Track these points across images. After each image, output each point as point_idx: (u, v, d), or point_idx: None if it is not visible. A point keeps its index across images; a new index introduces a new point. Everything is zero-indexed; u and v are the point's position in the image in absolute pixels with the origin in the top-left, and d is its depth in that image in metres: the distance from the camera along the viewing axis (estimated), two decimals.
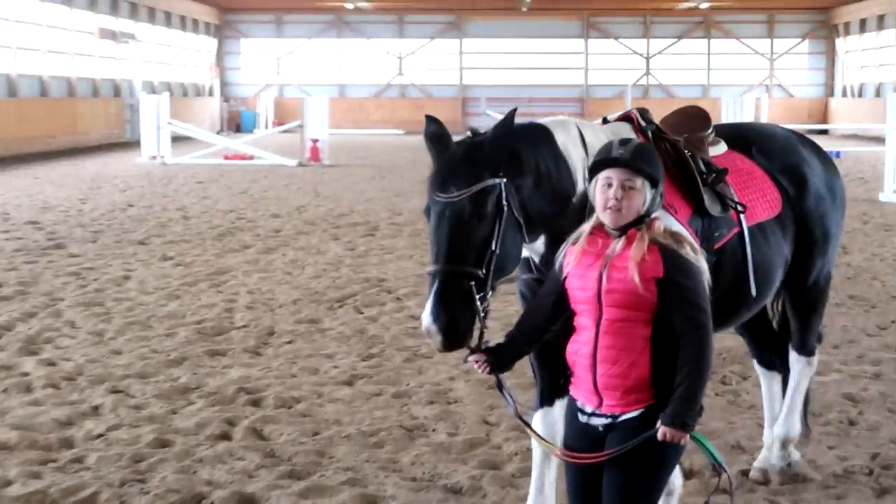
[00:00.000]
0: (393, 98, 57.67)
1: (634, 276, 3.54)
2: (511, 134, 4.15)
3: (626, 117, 5.14)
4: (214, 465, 6.67)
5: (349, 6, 56.38)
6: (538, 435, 4.36)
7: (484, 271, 3.90)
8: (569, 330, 3.92)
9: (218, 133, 51.08)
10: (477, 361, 3.96)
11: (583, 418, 3.80)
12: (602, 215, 3.72)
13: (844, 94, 56.68)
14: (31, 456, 6.84)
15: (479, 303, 3.90)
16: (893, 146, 22.89)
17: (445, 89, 58.26)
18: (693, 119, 5.44)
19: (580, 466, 3.86)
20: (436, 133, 4.19)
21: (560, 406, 4.61)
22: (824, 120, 54.28)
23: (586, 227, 3.81)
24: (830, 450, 7.02)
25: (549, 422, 4.79)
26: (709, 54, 59.18)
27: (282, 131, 45.42)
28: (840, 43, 58.25)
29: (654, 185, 3.72)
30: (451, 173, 4.00)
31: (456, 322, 3.83)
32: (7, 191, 24.62)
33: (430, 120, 4.24)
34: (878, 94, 50.16)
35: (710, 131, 5.15)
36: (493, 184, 4.00)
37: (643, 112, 5.19)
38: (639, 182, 3.67)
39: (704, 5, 55.01)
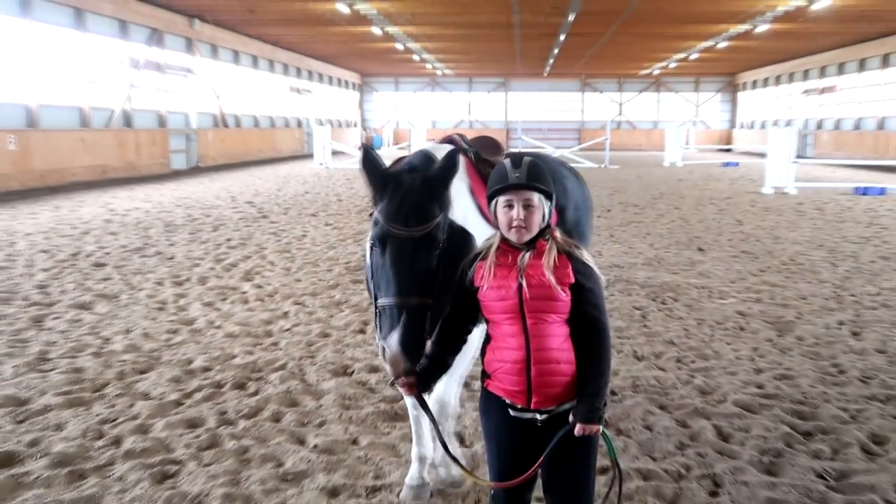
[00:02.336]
0: (465, 128, 59.76)
1: (553, 283, 2.98)
2: (454, 169, 3.33)
3: (449, 140, 4.38)
4: (355, 348, 7.18)
5: (439, 73, 58.74)
6: (462, 466, 3.28)
7: (432, 300, 3.16)
8: (458, 339, 3.26)
9: (358, 149, 53.04)
10: (406, 384, 3.17)
11: (514, 413, 3.08)
12: (507, 234, 3.08)
13: (742, 127, 59.33)
14: (247, 341, 7.37)
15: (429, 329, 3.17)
16: (770, 160, 23.17)
17: (496, 123, 61.66)
18: (490, 145, 4.92)
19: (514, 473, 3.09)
20: (373, 163, 3.27)
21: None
22: (729, 143, 56.33)
23: (493, 243, 3.14)
24: (728, 345, 7.30)
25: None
26: (658, 101, 62.25)
27: (399, 148, 46.64)
28: (740, 95, 60.85)
29: (549, 198, 3.10)
30: (413, 208, 3.15)
31: (420, 350, 3.11)
32: (235, 184, 25.33)
33: (366, 150, 3.29)
34: (762, 126, 52.52)
35: (503, 155, 4.16)
36: (440, 218, 3.26)
37: (463, 137, 4.51)
38: (536, 199, 3.06)
39: (656, 72, 56.83)
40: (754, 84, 58.33)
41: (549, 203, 3.14)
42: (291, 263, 11.29)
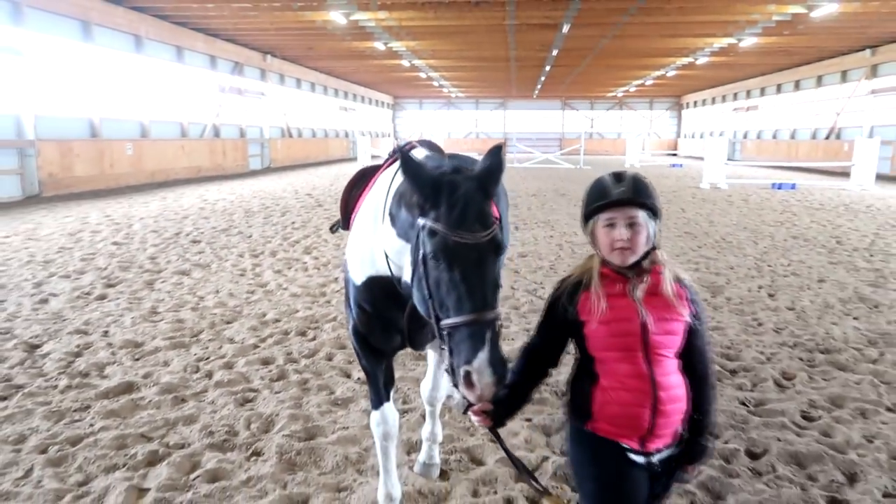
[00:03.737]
0: (473, 138, 60.24)
1: (685, 315, 2.14)
2: (503, 166, 2.31)
3: (409, 146, 3.00)
4: None
5: (452, 95, 57.66)
6: (547, 491, 2.45)
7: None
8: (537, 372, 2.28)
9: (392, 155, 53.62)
10: (482, 412, 2.15)
11: (634, 457, 2.15)
12: (609, 256, 2.17)
13: (685, 137, 57.78)
14: (307, 299, 7.32)
15: None
16: (707, 162, 22.77)
17: (497, 134, 60.69)
18: (432, 149, 3.28)
19: None
20: (418, 167, 2.23)
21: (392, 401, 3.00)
22: (675, 149, 55.87)
23: (593, 268, 2.20)
24: None
25: (387, 414, 3.01)
26: (621, 117, 61.01)
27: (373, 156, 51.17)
28: (685, 112, 59.53)
29: (655, 215, 2.18)
30: (477, 212, 2.18)
31: (507, 370, 2.11)
32: (297, 181, 25.16)
33: (405, 156, 2.23)
34: (701, 136, 51.49)
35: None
36: (498, 220, 2.32)
37: (421, 142, 3.16)
38: (641, 216, 2.15)
39: (620, 94, 55.82)
40: (696, 103, 57.35)
41: (655, 221, 2.20)
42: (341, 240, 11.31)
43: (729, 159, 27.68)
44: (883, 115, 29.93)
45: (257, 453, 3.90)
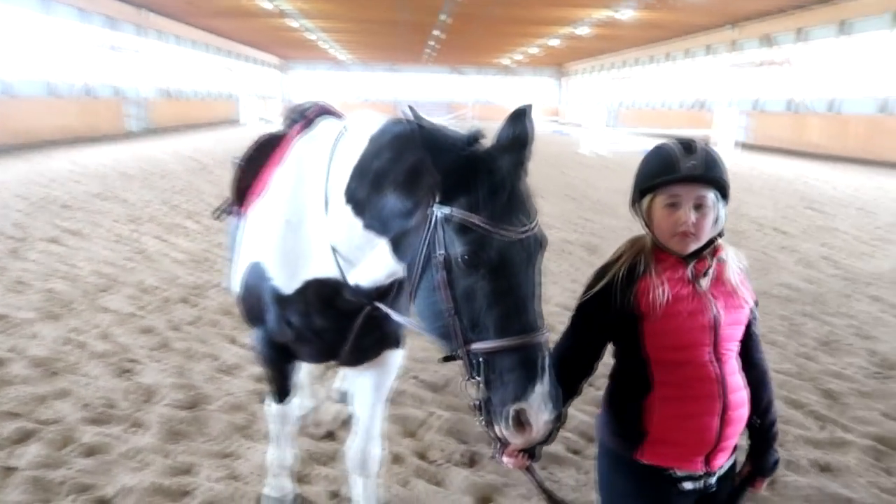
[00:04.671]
0: (363, 102, 54.44)
1: (751, 307, 1.83)
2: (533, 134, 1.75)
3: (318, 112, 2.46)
4: None
5: (342, 58, 55.29)
6: None
7: None
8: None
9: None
10: (516, 455, 1.68)
11: (686, 485, 1.78)
12: (668, 241, 1.76)
13: (569, 104, 58.99)
14: (191, 266, 6.98)
15: None
16: (586, 128, 23.30)
17: (387, 98, 55.78)
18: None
19: None
20: (440, 140, 1.67)
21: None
22: (558, 116, 56.37)
23: (648, 251, 1.80)
24: (554, 263, 6.35)
25: (291, 408, 2.68)
26: (509, 84, 60.83)
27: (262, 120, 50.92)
28: (568, 79, 61.29)
29: (725, 196, 1.78)
30: (524, 197, 1.69)
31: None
32: (179, 144, 23.62)
33: (422, 127, 1.67)
34: (583, 104, 49.67)
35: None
36: None
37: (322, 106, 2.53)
38: (711, 197, 1.75)
39: (507, 62, 56.14)
40: (577, 72, 58.92)
41: (723, 203, 1.80)
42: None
43: (608, 126, 28.51)
44: (743, 87, 32.08)
45: (138, 424, 3.71)
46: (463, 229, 1.61)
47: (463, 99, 60.04)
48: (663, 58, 41.65)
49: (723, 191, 1.79)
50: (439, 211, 1.65)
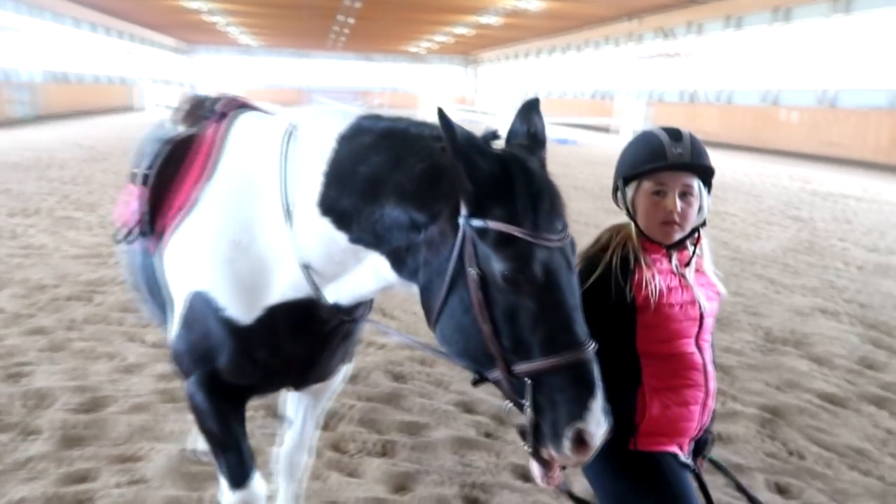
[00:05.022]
0: (274, 88, 53.10)
1: (721, 294, 1.86)
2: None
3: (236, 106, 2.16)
4: None
5: (249, 43, 54.19)
6: None
7: None
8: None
9: None
10: (554, 473, 1.55)
11: (684, 461, 1.80)
12: (652, 231, 1.75)
13: (477, 92, 59.90)
14: (91, 262, 6.60)
15: None
16: (501, 117, 23.36)
17: (296, 85, 55.77)
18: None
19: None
20: (474, 143, 1.51)
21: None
22: (471, 105, 53.58)
23: (634, 239, 1.76)
24: None
25: (257, 493, 2.04)
26: (421, 72, 61.02)
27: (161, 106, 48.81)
28: (480, 68, 61.51)
29: (708, 184, 1.78)
30: (560, 201, 1.57)
31: None
32: (74, 132, 22.37)
33: (450, 122, 1.46)
34: (496, 92, 53.00)
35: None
36: None
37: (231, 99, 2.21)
38: (696, 185, 1.74)
39: (418, 50, 56.15)
40: (487, 61, 59.43)
41: (707, 190, 1.80)
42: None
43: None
44: (643, 78, 33.38)
45: (30, 432, 3.49)
46: (503, 243, 1.45)
47: (373, 86, 59.37)
48: (570, 48, 42.69)
49: (707, 179, 1.79)
50: (471, 224, 1.47)
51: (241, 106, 2.19)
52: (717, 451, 3.47)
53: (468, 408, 3.90)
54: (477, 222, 1.47)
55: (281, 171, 1.79)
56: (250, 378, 1.97)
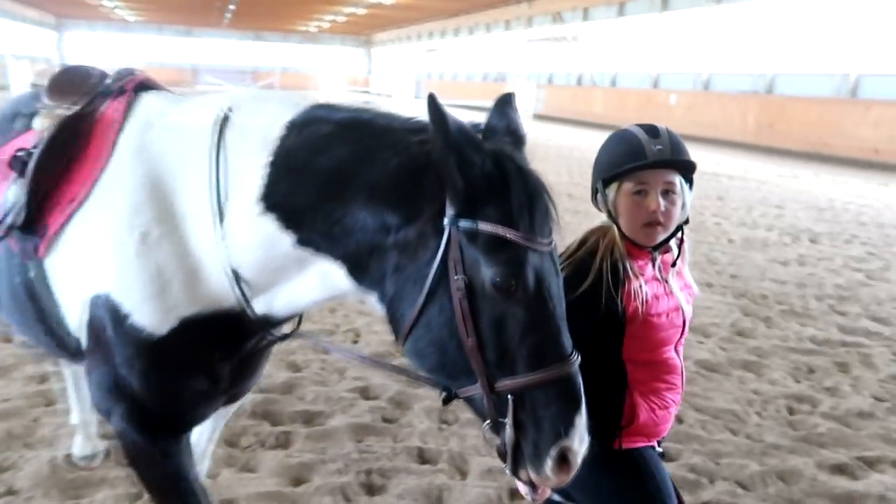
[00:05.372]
0: (158, 67, 49.15)
1: (696, 293, 1.83)
2: None
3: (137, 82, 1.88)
4: None
5: (128, 19, 51.28)
6: None
7: None
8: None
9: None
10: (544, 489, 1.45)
11: (660, 450, 1.87)
12: (635, 233, 1.69)
13: (374, 74, 59.16)
14: None
15: None
16: (394, 100, 23.08)
17: (183, 64, 53.68)
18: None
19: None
20: (469, 137, 1.36)
21: None
22: (367, 86, 54.88)
23: (619, 245, 1.69)
24: None
25: None
26: (316, 53, 59.74)
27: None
28: (376, 49, 61.34)
29: (689, 179, 1.73)
30: (552, 203, 1.43)
31: None
32: None
33: (437, 104, 1.32)
34: (391, 74, 52.15)
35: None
36: None
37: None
38: (678, 182, 1.69)
39: (313, 29, 55.32)
40: (385, 42, 59.06)
41: (689, 186, 1.75)
42: None
43: (417, 97, 29.04)
44: (537, 62, 34.18)
45: None
46: (495, 247, 1.32)
47: (265, 66, 57.47)
48: (466, 31, 43.02)
49: (688, 174, 1.72)
50: (459, 225, 1.33)
51: (142, 84, 1.89)
52: None
53: (366, 394, 3.88)
54: (466, 224, 1.33)
55: (211, 159, 1.56)
56: (181, 403, 1.68)
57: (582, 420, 1.35)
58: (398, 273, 1.40)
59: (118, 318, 1.59)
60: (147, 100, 1.83)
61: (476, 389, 1.36)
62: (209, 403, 1.78)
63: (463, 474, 3.16)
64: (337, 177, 1.46)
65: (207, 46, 58.40)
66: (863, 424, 3.85)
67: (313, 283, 1.55)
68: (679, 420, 3.79)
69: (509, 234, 1.32)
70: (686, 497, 3.05)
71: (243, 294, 1.58)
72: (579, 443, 1.35)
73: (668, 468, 3.23)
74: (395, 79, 25.34)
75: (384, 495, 2.97)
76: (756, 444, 3.56)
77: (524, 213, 1.33)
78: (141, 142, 1.69)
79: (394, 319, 1.44)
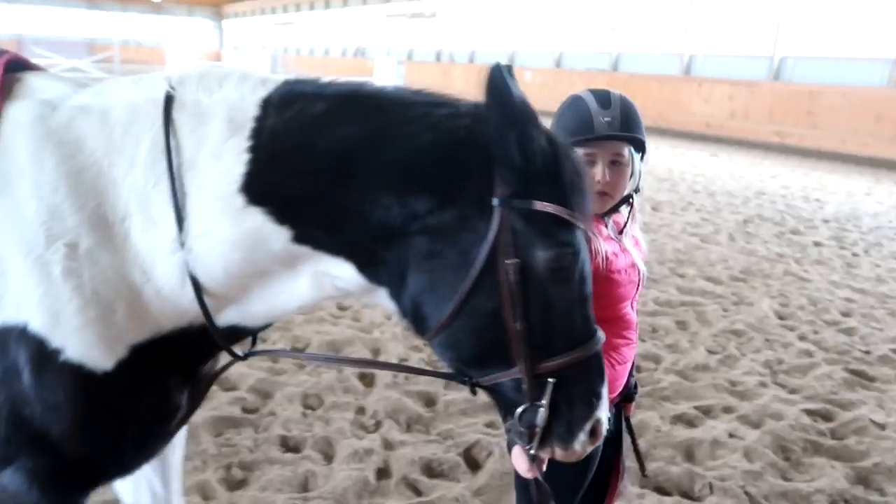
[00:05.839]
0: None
1: (646, 251, 1.87)
2: None
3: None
4: None
5: None
6: None
7: None
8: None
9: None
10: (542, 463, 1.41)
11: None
12: None
13: (227, 48, 54.11)
14: None
15: None
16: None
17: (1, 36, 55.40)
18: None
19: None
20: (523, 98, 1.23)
21: None
22: (219, 61, 51.48)
23: None
24: None
25: None
26: (162, 24, 55.64)
27: None
28: (228, 22, 57.45)
29: (641, 150, 1.75)
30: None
31: None
32: None
33: (503, 80, 1.22)
34: (247, 49, 50.10)
35: None
36: None
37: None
38: (626, 153, 1.72)
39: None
40: (238, 15, 55.87)
41: (639, 156, 1.76)
42: None
43: (278, 73, 28.06)
44: (398, 37, 34.06)
45: None
46: (551, 227, 1.25)
47: (104, 38, 52.92)
48: (323, 5, 41.93)
49: (639, 145, 1.72)
50: (513, 205, 1.23)
51: (12, 63, 1.49)
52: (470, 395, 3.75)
53: (228, 385, 3.71)
54: (521, 203, 1.23)
55: (158, 146, 1.30)
56: (123, 448, 1.40)
57: (605, 390, 1.35)
58: (430, 261, 1.26)
59: (42, 355, 1.27)
60: (32, 82, 1.44)
61: (505, 376, 1.29)
62: (158, 442, 1.52)
63: (329, 459, 3.12)
64: (346, 159, 1.28)
65: (35, 14, 52.53)
66: (699, 376, 4.22)
67: (304, 285, 1.36)
68: None
69: (565, 213, 1.25)
70: None
71: (205, 307, 1.34)
72: (605, 413, 1.35)
73: None
74: (250, 54, 24.27)
75: (246, 489, 2.87)
76: None
77: (575, 192, 1.27)
78: (44, 129, 1.33)
79: (419, 312, 1.30)
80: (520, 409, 1.30)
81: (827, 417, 3.83)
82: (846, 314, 5.53)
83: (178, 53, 37.04)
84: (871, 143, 15.24)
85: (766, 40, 18.77)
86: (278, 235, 1.30)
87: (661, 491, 3.01)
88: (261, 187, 1.29)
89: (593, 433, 1.34)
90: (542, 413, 1.29)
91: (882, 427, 3.72)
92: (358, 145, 1.28)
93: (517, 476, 1.79)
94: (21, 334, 1.28)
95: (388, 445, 3.21)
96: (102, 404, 1.33)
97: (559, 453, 1.34)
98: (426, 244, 1.26)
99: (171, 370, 1.42)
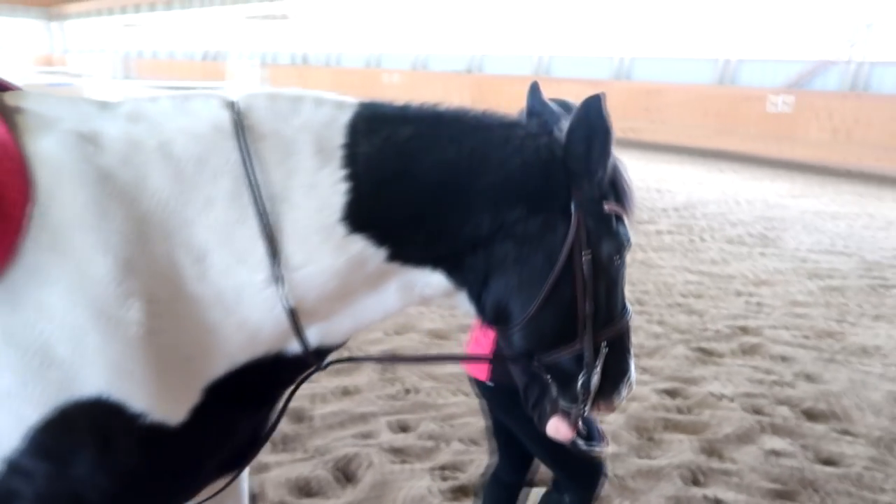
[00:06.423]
0: None
1: None
2: None
3: None
4: None
5: None
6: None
7: None
8: None
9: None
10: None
11: None
12: None
13: (68, 52, 51.93)
14: None
15: None
16: (94, 79, 21.00)
17: None
18: None
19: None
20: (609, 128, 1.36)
21: None
22: (56, 65, 48.28)
23: None
24: None
25: None
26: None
27: None
28: (66, 23, 53.87)
29: None
30: None
31: None
32: None
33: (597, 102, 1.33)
34: (83, 54, 48.68)
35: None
36: None
37: None
38: None
39: None
40: (76, 16, 51.97)
41: None
42: None
43: (118, 77, 26.22)
44: (260, 41, 33.00)
45: None
46: (614, 224, 1.43)
47: None
48: (177, 5, 39.79)
49: None
50: (589, 209, 1.40)
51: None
52: (342, 406, 3.69)
53: None
54: (594, 206, 1.41)
55: (240, 182, 1.23)
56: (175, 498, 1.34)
57: (632, 349, 1.57)
58: (517, 263, 1.38)
59: (122, 422, 1.14)
60: (32, 107, 1.24)
61: (568, 351, 1.44)
62: (228, 474, 1.47)
63: None
64: (445, 184, 1.34)
65: None
66: None
67: (391, 296, 1.41)
68: (416, 391, 3.99)
69: (623, 212, 1.45)
70: (422, 463, 3.25)
71: (299, 330, 1.32)
72: (633, 376, 1.57)
73: (406, 439, 3.40)
74: (96, 57, 22.56)
75: None
76: (476, 399, 3.85)
77: (627, 192, 1.46)
78: (97, 172, 1.16)
79: (504, 309, 1.42)
80: (582, 377, 1.46)
81: (677, 394, 4.15)
82: (689, 296, 6.03)
83: (9, 57, 33.65)
84: (701, 136, 16.87)
85: (611, 42, 20.08)
86: (376, 257, 1.34)
87: (529, 483, 3.09)
88: (363, 215, 1.30)
89: (630, 387, 1.56)
90: (596, 377, 1.46)
91: (727, 399, 4.08)
92: (456, 170, 1.35)
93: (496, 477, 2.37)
94: (109, 404, 1.14)
95: (258, 468, 3.08)
96: (170, 458, 1.24)
97: (605, 408, 1.55)
98: (512, 247, 1.38)
99: (244, 403, 1.36)
